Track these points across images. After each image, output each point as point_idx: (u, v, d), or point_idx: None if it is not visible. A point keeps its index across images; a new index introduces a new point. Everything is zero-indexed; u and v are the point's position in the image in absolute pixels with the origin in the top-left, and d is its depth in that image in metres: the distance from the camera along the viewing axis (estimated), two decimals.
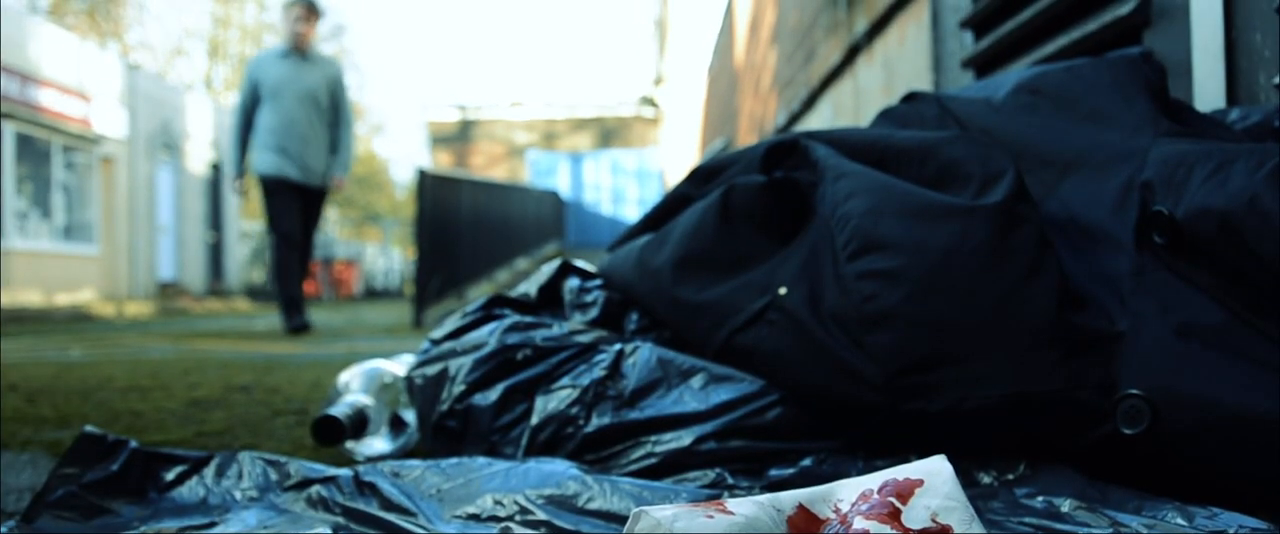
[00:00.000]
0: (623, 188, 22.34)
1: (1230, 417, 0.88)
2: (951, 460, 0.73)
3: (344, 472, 1.01)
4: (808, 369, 1.11)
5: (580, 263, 1.56)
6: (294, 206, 5.52)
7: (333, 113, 5.72)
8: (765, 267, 1.22)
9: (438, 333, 1.40)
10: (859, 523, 0.66)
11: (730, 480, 1.04)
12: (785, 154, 1.35)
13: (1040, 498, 0.91)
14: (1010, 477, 0.99)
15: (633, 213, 20.79)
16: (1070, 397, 0.96)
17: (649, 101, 22.99)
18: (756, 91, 8.29)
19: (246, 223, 19.71)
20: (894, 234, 1.05)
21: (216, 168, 17.08)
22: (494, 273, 11.03)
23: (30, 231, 12.44)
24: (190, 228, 16.36)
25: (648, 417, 1.14)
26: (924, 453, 0.96)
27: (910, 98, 1.42)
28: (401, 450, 1.42)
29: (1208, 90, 1.50)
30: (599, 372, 1.21)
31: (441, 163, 23.06)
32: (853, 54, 4.56)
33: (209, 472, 1.05)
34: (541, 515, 0.89)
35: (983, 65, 2.41)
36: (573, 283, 1.49)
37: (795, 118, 6.15)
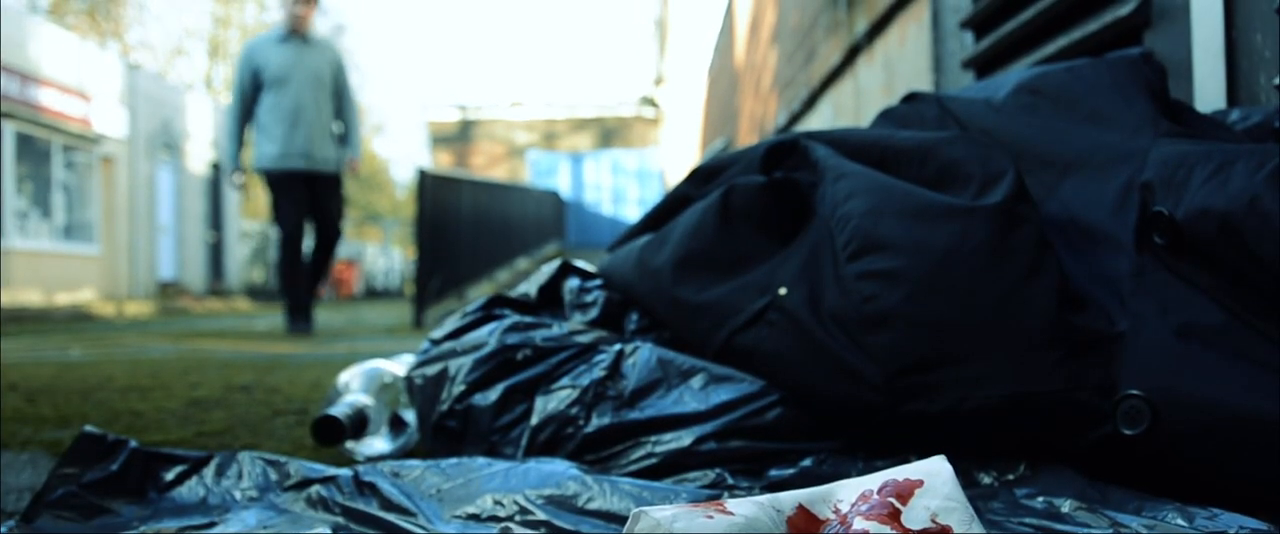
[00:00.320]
0: (623, 188, 22.35)
1: (1230, 417, 0.88)
2: (951, 461, 0.73)
3: (344, 472, 1.01)
4: (808, 370, 1.11)
5: (580, 263, 1.56)
6: (301, 201, 5.31)
7: (337, 97, 5.52)
8: (765, 267, 1.22)
9: (438, 333, 1.40)
10: (859, 523, 0.66)
11: (730, 481, 1.04)
12: (785, 154, 1.35)
13: (1040, 498, 0.91)
14: (1010, 477, 0.99)
15: (633, 213, 20.79)
16: (1070, 397, 0.96)
17: (649, 101, 22.99)
18: (757, 91, 8.30)
19: (247, 222, 19.71)
20: (894, 234, 1.05)
21: (216, 167, 17.09)
22: (494, 273, 11.03)
23: (30, 231, 12.44)
24: (190, 227, 16.36)
25: (648, 417, 1.14)
26: (924, 453, 0.96)
27: (910, 98, 1.42)
28: (401, 450, 1.42)
29: (1208, 91, 1.50)
30: (599, 372, 1.21)
31: (442, 163, 23.06)
32: (853, 54, 4.56)
33: (209, 472, 1.05)
34: (541, 515, 0.89)
35: (983, 66, 2.41)
36: (573, 283, 1.49)
37: (795, 118, 6.16)
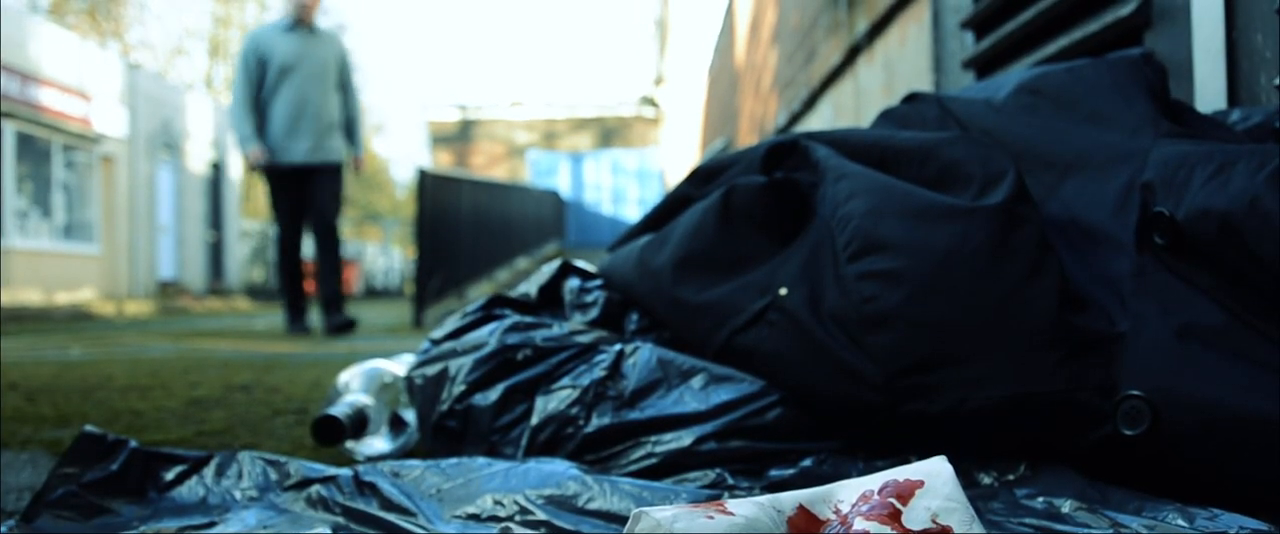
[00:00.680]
0: (623, 188, 22.35)
1: (1231, 418, 0.88)
2: (952, 461, 0.73)
3: (344, 471, 1.01)
4: (808, 370, 1.11)
5: (580, 263, 1.56)
6: (298, 196, 5.19)
7: (342, 91, 5.40)
8: (766, 267, 1.22)
9: (438, 333, 1.40)
10: (859, 524, 0.66)
11: (730, 481, 1.04)
12: (786, 154, 1.35)
13: (1040, 499, 0.91)
14: (1010, 477, 0.99)
15: (633, 213, 20.80)
16: (1071, 398, 0.96)
17: (649, 101, 22.99)
18: (757, 92, 8.29)
19: (247, 222, 19.71)
20: (895, 235, 1.05)
21: (217, 167, 17.09)
22: (494, 272, 11.04)
23: (30, 231, 12.44)
24: (190, 227, 16.36)
25: (648, 417, 1.14)
26: (924, 454, 0.96)
27: (911, 98, 1.42)
28: (401, 450, 1.42)
29: (1209, 91, 1.50)
30: (599, 372, 1.21)
31: (442, 162, 23.06)
32: (853, 54, 4.56)
33: (209, 471, 1.05)
34: (541, 515, 0.89)
35: (983, 66, 2.41)
36: (573, 283, 1.49)
37: (796, 118, 6.15)
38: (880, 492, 0.69)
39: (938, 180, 1.13)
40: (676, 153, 18.35)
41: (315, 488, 1.00)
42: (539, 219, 15.99)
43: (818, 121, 5.55)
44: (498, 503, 0.92)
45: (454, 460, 1.03)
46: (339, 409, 1.35)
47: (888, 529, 0.66)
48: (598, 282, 1.50)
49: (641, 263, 1.38)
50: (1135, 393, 0.93)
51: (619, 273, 1.45)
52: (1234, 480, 0.90)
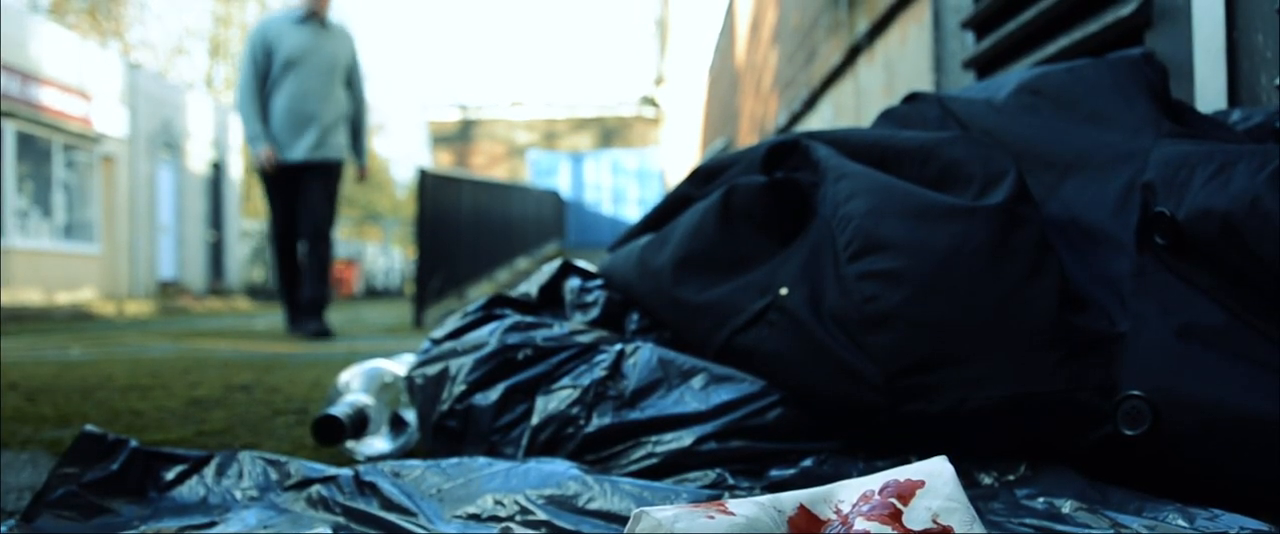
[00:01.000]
0: (623, 188, 22.36)
1: (1231, 418, 0.88)
2: (952, 461, 0.73)
3: (344, 471, 1.01)
4: (808, 370, 1.11)
5: (581, 263, 1.56)
6: (295, 195, 5.00)
7: (350, 90, 5.20)
8: (766, 267, 1.22)
9: (438, 332, 1.40)
10: (860, 524, 0.66)
11: (731, 481, 1.04)
12: (786, 154, 1.35)
13: (1041, 499, 0.91)
14: (1011, 478, 0.99)
15: (633, 213, 20.80)
16: (1071, 398, 0.96)
17: (650, 101, 22.99)
18: (757, 91, 8.29)
19: (247, 222, 19.72)
20: (895, 235, 1.05)
21: (217, 167, 17.09)
22: (494, 272, 11.04)
23: (31, 230, 12.44)
24: (191, 227, 16.36)
25: (648, 417, 1.14)
26: (925, 454, 0.96)
27: (911, 98, 1.42)
28: (402, 450, 1.42)
29: (1209, 91, 1.50)
30: (600, 372, 1.21)
31: (442, 162, 23.07)
32: (854, 54, 4.56)
33: (209, 471, 1.05)
34: (542, 516, 0.89)
35: (984, 66, 2.41)
36: (573, 283, 1.49)
37: (796, 118, 6.15)
38: (881, 492, 0.69)
39: (938, 180, 1.13)
40: (677, 153, 18.35)
41: (316, 488, 1.00)
42: (539, 219, 15.99)
43: (818, 121, 5.55)
44: (498, 503, 0.92)
45: (454, 460, 1.03)
46: (339, 409, 1.35)
47: (888, 529, 0.66)
48: (598, 281, 1.50)
49: (642, 263, 1.38)
50: (1135, 393, 0.93)
51: (619, 273, 1.45)
52: (1234, 480, 0.90)
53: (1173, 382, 0.92)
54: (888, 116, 1.43)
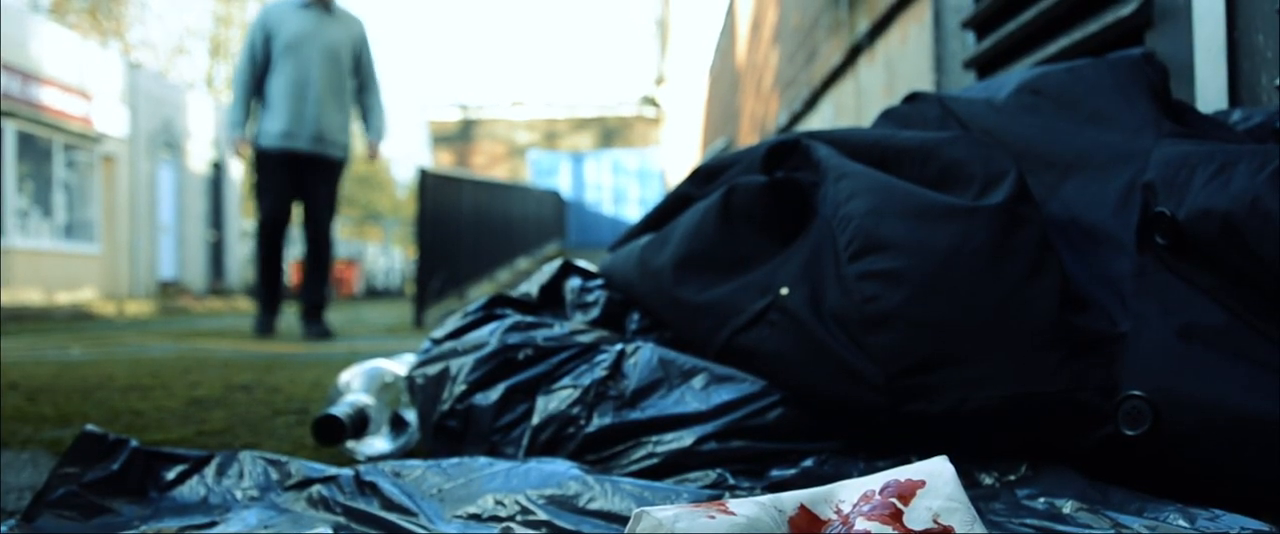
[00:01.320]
0: (624, 188, 22.36)
1: (1232, 418, 0.88)
2: (953, 461, 0.73)
3: (345, 471, 1.01)
4: (809, 370, 1.11)
5: (581, 263, 1.56)
6: (290, 187, 4.83)
7: (357, 76, 5.02)
8: (766, 267, 1.22)
9: (439, 332, 1.40)
10: (861, 524, 0.66)
11: (731, 481, 1.04)
12: (787, 154, 1.35)
13: (1042, 499, 0.91)
14: (1012, 478, 0.98)
15: (634, 213, 20.80)
16: (1072, 398, 0.96)
17: (650, 101, 22.99)
18: (758, 91, 8.29)
19: (247, 221, 19.71)
20: (896, 235, 1.05)
21: (218, 166, 17.10)
22: (495, 272, 11.04)
23: (31, 230, 12.45)
24: (191, 226, 16.37)
25: (649, 417, 1.14)
26: (925, 454, 0.95)
27: (912, 98, 1.42)
28: (402, 450, 1.42)
29: (1209, 91, 1.50)
30: (600, 372, 1.21)
31: (443, 162, 23.07)
32: (854, 54, 4.56)
33: (209, 471, 1.05)
34: (542, 515, 0.89)
35: (984, 66, 2.41)
36: (574, 283, 1.49)
37: (797, 118, 6.15)
38: (882, 492, 0.69)
39: (939, 180, 1.13)
40: (677, 153, 18.35)
41: (316, 488, 1.00)
42: (540, 219, 15.99)
43: (819, 121, 5.55)
44: (499, 503, 0.92)
45: (455, 460, 1.03)
46: (340, 409, 1.35)
47: (889, 529, 0.66)
48: (599, 281, 1.50)
49: (642, 263, 1.38)
50: (1136, 393, 0.93)
51: (620, 273, 1.45)
52: (1235, 481, 0.90)
53: (1173, 382, 0.92)
54: (888, 116, 1.43)
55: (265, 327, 4.93)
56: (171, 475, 1.04)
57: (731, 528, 0.64)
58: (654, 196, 20.44)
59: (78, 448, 1.01)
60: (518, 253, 12.93)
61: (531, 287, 1.51)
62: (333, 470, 1.02)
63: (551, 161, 22.70)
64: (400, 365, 1.53)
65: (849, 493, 0.71)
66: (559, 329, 1.31)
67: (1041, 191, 1.13)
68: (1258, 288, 0.91)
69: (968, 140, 1.15)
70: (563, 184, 22.02)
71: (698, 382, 1.17)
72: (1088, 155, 1.14)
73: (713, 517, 0.65)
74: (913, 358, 1.00)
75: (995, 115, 1.25)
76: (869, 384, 1.03)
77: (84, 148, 13.55)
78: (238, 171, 17.69)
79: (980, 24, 2.44)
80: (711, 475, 1.06)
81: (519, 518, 0.90)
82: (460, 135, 23.79)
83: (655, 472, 1.08)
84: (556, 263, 1.55)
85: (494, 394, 1.23)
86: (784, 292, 1.16)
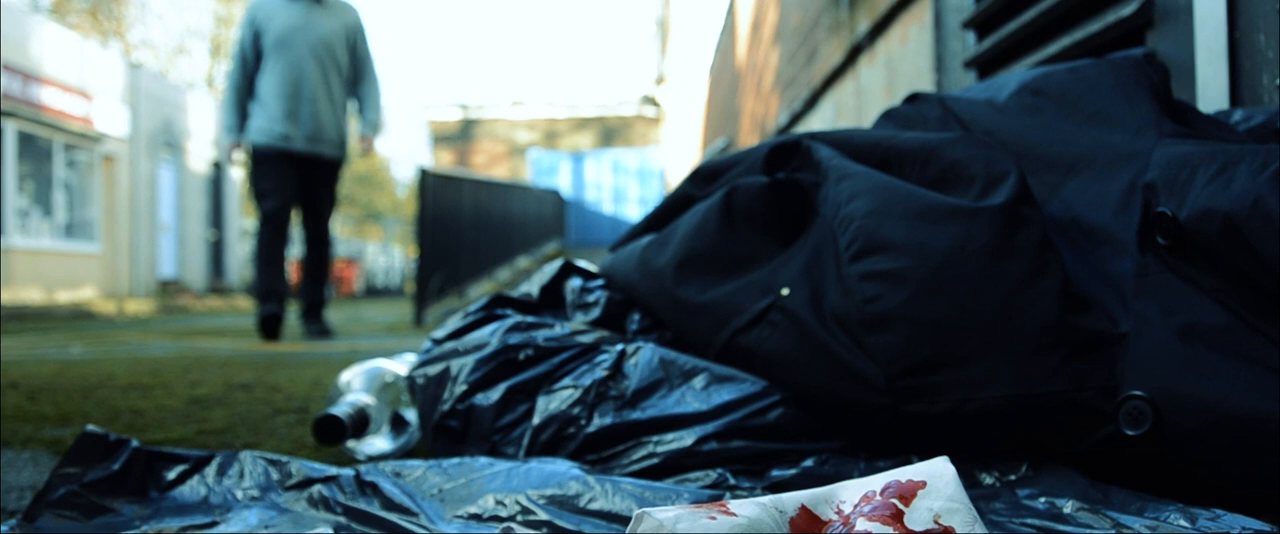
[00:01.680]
0: (624, 187, 22.35)
1: (1233, 418, 0.88)
2: (954, 461, 0.73)
3: (345, 471, 1.01)
4: (810, 370, 1.11)
5: (582, 262, 1.56)
6: (288, 183, 4.67)
7: (353, 68, 4.86)
8: (767, 267, 1.22)
9: (440, 332, 1.40)
10: (862, 524, 0.66)
11: (732, 481, 1.04)
12: (788, 155, 1.35)
13: (1042, 499, 0.91)
14: (1012, 478, 0.98)
15: (634, 212, 20.82)
16: (1073, 398, 0.96)
17: (650, 101, 22.99)
18: (758, 91, 8.29)
19: (247, 221, 19.72)
20: (897, 235, 1.05)
21: (218, 166, 17.10)
22: (495, 272, 11.04)
23: (31, 229, 12.45)
24: (191, 226, 16.37)
25: (649, 417, 1.14)
26: (926, 454, 0.96)
27: (913, 98, 1.42)
28: (403, 450, 1.42)
29: (1211, 91, 1.50)
30: (601, 372, 1.21)
31: (443, 161, 23.07)
32: (855, 54, 4.56)
33: (210, 471, 1.05)
34: (543, 516, 0.89)
35: (985, 66, 2.41)
36: (575, 283, 1.49)
37: (797, 118, 6.15)
38: (882, 492, 0.69)
39: (940, 181, 1.13)
40: (677, 152, 18.35)
41: (317, 488, 1.00)
42: (540, 218, 16.00)
43: (819, 121, 5.55)
44: (499, 503, 0.92)
45: (456, 460, 1.03)
46: (340, 409, 1.35)
47: (890, 530, 0.66)
48: (599, 281, 1.50)
49: (643, 263, 1.38)
50: (1137, 393, 0.93)
51: (621, 273, 1.45)
52: (1236, 481, 0.90)
53: (1174, 382, 0.92)
54: (889, 117, 1.43)
55: (271, 327, 4.70)
56: (172, 475, 1.04)
57: (732, 529, 0.64)
58: (654, 196, 20.46)
59: (78, 448, 1.01)
60: (518, 252, 12.94)
61: (532, 286, 1.51)
62: (333, 470, 1.02)
63: (552, 161, 22.70)
64: (401, 365, 1.53)
65: (850, 493, 0.71)
66: (560, 329, 1.31)
67: (1043, 192, 1.13)
68: (1259, 288, 0.91)
69: (969, 141, 1.15)
70: (563, 183, 22.02)
71: (698, 382, 1.17)
72: (1089, 155, 1.14)
73: (714, 517, 0.65)
74: (914, 358, 1.00)
75: (996, 116, 1.25)
76: (870, 385, 1.03)
77: (84, 147, 13.55)
78: (237, 171, 17.69)
79: (981, 24, 2.44)
80: (712, 475, 1.06)
81: (520, 518, 0.90)
82: (460, 135, 23.79)
83: (656, 472, 1.08)
84: (557, 263, 1.55)
85: (495, 394, 1.23)
86: (785, 292, 1.16)
